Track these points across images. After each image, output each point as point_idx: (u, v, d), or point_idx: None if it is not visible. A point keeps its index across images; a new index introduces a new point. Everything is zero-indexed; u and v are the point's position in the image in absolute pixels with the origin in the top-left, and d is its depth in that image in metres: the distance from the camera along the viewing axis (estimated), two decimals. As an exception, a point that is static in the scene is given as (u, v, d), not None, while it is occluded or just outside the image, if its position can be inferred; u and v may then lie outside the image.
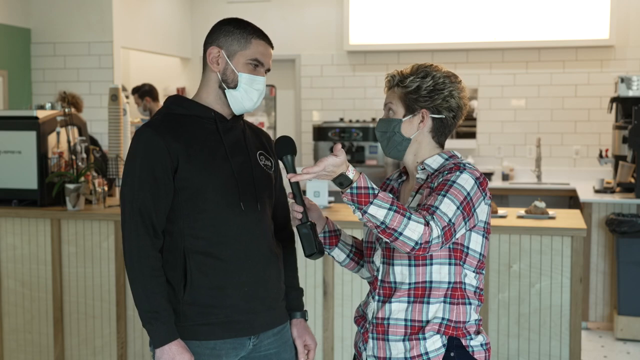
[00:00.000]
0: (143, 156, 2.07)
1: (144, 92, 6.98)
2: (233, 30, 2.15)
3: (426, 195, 1.99)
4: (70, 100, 4.48)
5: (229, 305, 2.12)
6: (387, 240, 1.85)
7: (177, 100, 2.21)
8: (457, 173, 1.95)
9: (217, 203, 2.10)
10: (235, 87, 2.14)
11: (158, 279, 2.07)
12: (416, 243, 1.82)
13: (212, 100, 2.18)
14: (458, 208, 1.89)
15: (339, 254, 2.23)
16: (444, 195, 1.90)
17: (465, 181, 1.94)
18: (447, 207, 1.88)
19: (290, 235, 2.36)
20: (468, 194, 1.93)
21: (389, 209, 1.82)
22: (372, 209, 1.82)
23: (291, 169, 2.03)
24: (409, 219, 1.82)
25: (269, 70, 2.20)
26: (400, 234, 1.82)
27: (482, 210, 1.98)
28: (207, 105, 2.18)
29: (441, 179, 1.96)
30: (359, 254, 2.25)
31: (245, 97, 2.15)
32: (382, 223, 1.82)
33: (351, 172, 1.85)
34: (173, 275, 2.11)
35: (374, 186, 1.85)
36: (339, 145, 1.87)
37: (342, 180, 1.85)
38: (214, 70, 2.16)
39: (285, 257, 2.33)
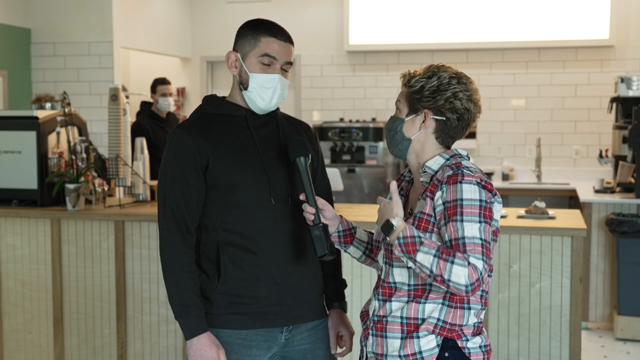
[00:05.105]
0: (174, 156, 2.15)
1: None
2: (246, 32, 2.19)
3: (429, 206, 1.95)
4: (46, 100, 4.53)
5: (262, 296, 2.16)
6: (442, 286, 1.86)
7: (211, 100, 2.27)
8: (458, 187, 1.90)
9: (248, 198, 2.15)
10: (247, 88, 2.18)
11: (190, 274, 2.13)
12: (466, 286, 1.82)
13: (240, 101, 2.23)
14: (480, 222, 1.87)
15: (354, 251, 2.25)
16: (461, 220, 1.86)
17: (470, 192, 1.89)
18: (470, 229, 1.85)
19: None
20: (481, 201, 1.89)
21: (434, 255, 1.83)
22: (419, 256, 1.84)
23: (304, 171, 2.07)
24: (452, 263, 1.81)
25: (290, 64, 2.19)
26: (449, 280, 1.82)
27: (496, 210, 1.96)
28: (238, 103, 2.23)
29: (443, 203, 1.91)
30: None
31: (257, 97, 2.19)
32: (431, 271, 1.83)
33: (397, 221, 1.88)
34: (208, 266, 2.18)
35: (420, 234, 1.86)
36: (394, 186, 1.96)
37: (387, 228, 1.89)
38: (233, 73, 2.22)
39: None
